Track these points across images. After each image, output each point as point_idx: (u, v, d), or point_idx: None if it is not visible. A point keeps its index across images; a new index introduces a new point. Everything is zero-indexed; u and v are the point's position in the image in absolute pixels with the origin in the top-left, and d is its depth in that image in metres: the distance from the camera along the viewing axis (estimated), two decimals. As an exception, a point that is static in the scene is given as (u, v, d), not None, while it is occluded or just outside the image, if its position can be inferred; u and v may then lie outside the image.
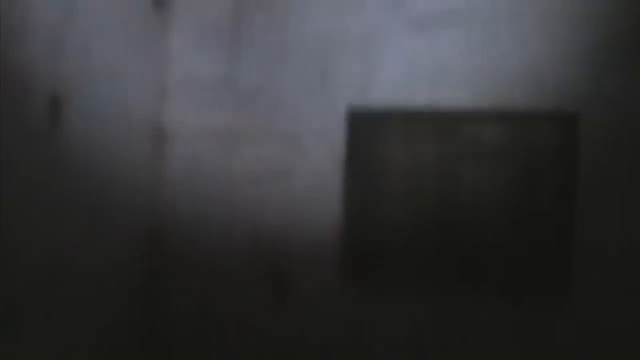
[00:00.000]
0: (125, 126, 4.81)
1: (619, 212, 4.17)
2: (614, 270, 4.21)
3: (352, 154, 4.68)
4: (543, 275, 4.27)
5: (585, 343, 4.24)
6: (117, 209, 4.77)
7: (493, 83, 4.41)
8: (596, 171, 4.21)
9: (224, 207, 4.98)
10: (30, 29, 4.05)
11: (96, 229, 4.56)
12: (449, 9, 4.51)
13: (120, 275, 4.82)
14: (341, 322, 4.70)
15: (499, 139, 4.34)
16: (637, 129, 4.13)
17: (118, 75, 4.73)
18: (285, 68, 4.87)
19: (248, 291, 4.90)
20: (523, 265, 4.30)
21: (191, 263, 5.05)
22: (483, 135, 4.37)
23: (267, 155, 4.90)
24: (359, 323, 4.66)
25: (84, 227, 4.46)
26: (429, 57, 4.56)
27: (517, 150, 4.31)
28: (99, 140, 4.58)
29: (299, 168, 4.82)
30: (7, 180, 3.88)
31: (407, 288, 4.54)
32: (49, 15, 4.18)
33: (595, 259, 4.23)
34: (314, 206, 4.77)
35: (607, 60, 4.18)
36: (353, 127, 4.70)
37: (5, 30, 3.89)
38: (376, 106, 4.65)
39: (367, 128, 4.65)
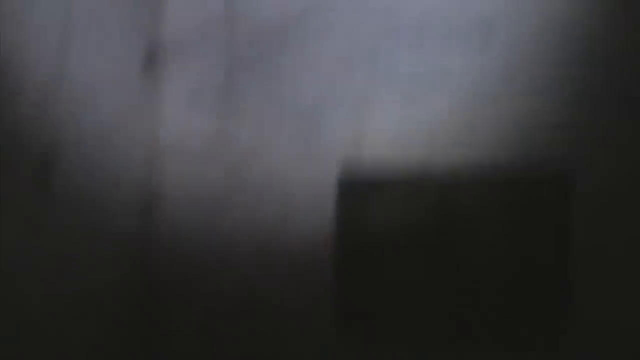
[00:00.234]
0: (114, 189, 4.79)
1: (616, 283, 4.12)
2: (609, 344, 4.16)
3: (343, 222, 4.66)
4: (538, 338, 4.26)
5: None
6: (106, 273, 4.75)
7: (485, 143, 4.40)
8: (590, 237, 4.17)
9: (214, 270, 4.96)
10: (23, 92, 4.08)
11: (84, 297, 4.57)
12: (440, 70, 4.50)
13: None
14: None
15: (492, 202, 4.34)
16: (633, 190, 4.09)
17: (108, 137, 4.72)
18: (277, 132, 4.87)
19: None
20: (517, 329, 4.29)
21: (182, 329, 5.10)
22: (476, 199, 4.36)
23: (259, 218, 4.88)
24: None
25: (71, 296, 4.48)
26: (421, 119, 4.54)
27: (512, 212, 4.30)
28: (88, 202, 4.58)
29: (290, 233, 4.79)
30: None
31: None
32: (40, 77, 4.21)
33: (592, 330, 4.19)
34: (305, 274, 4.78)
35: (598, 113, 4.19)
36: (344, 195, 4.67)
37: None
38: (368, 169, 4.61)
39: (358, 195, 4.61)
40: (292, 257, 4.76)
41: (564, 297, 4.13)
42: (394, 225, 4.51)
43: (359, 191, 4.61)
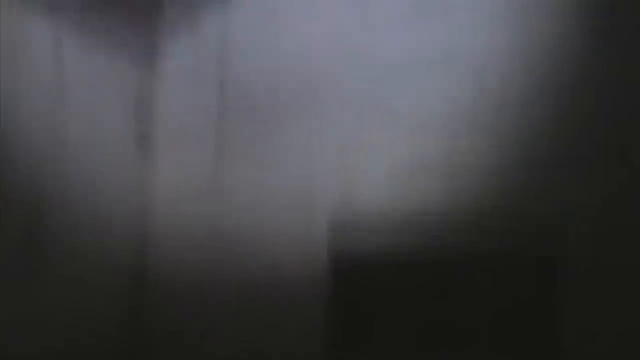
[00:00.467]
0: (103, 261, 4.81)
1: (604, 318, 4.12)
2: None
3: (335, 296, 4.68)
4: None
5: None
6: (98, 326, 4.75)
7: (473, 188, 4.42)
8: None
9: (209, 323, 5.00)
10: (15, 158, 4.12)
11: (76, 352, 4.57)
12: (431, 111, 4.54)
13: None
14: None
15: (481, 248, 4.36)
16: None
17: (99, 197, 4.76)
18: (269, 199, 4.91)
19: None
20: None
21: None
22: (467, 245, 4.39)
23: (248, 278, 4.92)
24: None
25: (64, 351, 4.47)
26: (413, 160, 4.57)
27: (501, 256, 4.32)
28: (78, 271, 4.61)
29: (282, 287, 4.82)
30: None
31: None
32: (33, 145, 4.26)
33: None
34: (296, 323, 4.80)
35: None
36: (337, 274, 4.70)
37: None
38: (358, 236, 4.66)
39: (351, 274, 4.65)
40: (283, 307, 4.79)
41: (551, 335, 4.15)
42: (386, 300, 4.54)
43: (350, 260, 4.64)
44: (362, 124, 4.66)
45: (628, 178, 4.05)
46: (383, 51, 4.65)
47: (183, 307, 5.06)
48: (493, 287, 4.30)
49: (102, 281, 4.78)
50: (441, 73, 4.49)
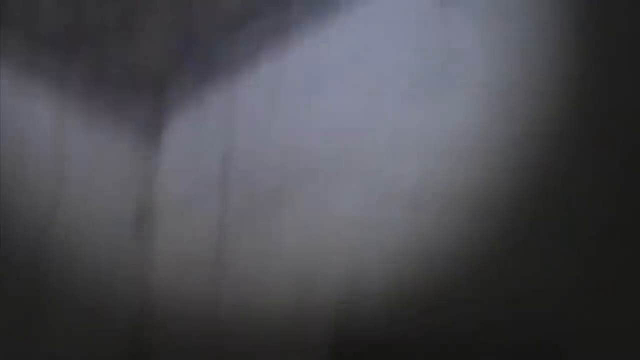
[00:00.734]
0: (100, 340, 4.74)
1: None
2: None
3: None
4: None
5: None
6: None
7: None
8: None
9: None
10: (13, 233, 4.13)
11: None
12: (435, 242, 4.53)
13: None
14: None
15: None
16: None
17: (96, 286, 4.71)
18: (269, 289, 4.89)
19: None
20: None
21: None
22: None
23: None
24: None
25: None
26: (418, 241, 4.56)
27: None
28: (73, 349, 4.56)
29: None
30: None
31: None
32: (31, 221, 4.26)
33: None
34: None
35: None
36: (341, 357, 4.67)
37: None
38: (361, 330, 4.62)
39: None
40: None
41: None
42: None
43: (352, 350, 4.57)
44: (365, 205, 4.65)
45: (630, 260, 4.02)
46: (385, 131, 4.66)
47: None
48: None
49: (98, 358, 4.71)
50: (444, 153, 4.48)
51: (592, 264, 4.14)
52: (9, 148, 4.22)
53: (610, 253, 4.09)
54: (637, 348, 4.00)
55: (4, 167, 4.17)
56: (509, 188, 4.36)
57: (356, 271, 4.66)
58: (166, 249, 5.15)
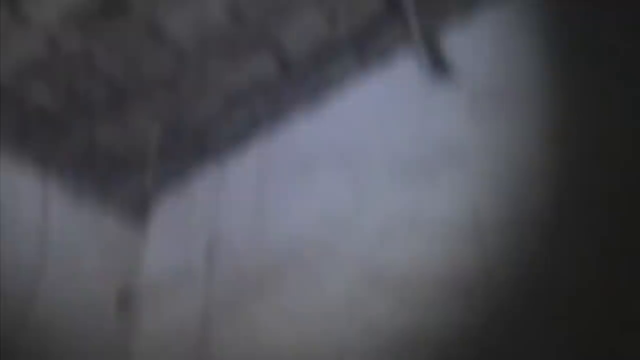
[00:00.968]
0: None
1: None
2: None
3: None
4: None
5: None
6: None
7: None
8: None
9: None
10: None
11: None
12: (422, 323, 4.50)
13: None
14: None
15: None
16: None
17: None
18: None
19: None
20: None
21: None
22: None
23: None
24: None
25: None
26: (406, 330, 4.51)
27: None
28: None
29: None
30: None
31: None
32: (12, 300, 4.20)
33: None
34: None
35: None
36: None
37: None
38: None
39: None
40: None
41: None
42: None
43: None
44: (354, 291, 4.59)
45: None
46: (375, 216, 4.65)
47: None
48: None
49: None
50: (434, 238, 4.46)
51: (588, 350, 4.10)
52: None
53: (606, 340, 4.06)
54: None
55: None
56: (502, 272, 4.32)
57: (343, 359, 4.59)
58: (149, 332, 5.06)
